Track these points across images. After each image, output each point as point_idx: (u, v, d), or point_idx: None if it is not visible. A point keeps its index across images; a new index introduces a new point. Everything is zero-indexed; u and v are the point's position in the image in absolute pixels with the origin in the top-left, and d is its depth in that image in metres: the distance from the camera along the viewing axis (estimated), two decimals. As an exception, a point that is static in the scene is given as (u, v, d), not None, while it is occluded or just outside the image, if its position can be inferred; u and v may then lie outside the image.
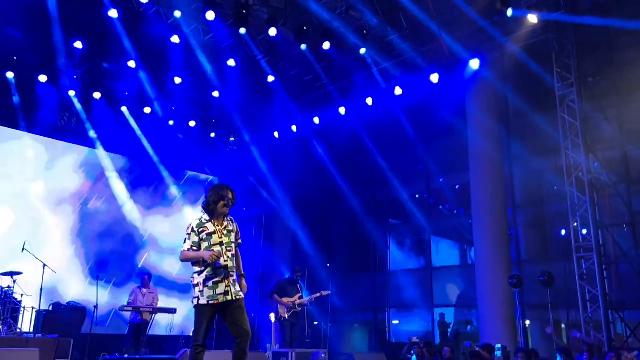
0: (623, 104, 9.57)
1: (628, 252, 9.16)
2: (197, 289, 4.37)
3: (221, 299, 4.31)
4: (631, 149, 9.64)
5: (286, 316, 8.24)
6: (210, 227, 4.48)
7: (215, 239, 4.44)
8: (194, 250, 4.42)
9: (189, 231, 4.48)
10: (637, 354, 5.50)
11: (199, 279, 4.37)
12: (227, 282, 4.35)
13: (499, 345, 7.92)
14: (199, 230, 4.46)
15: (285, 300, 8.26)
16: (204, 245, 4.42)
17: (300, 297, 8.42)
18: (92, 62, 11.20)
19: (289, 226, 13.86)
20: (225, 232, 4.51)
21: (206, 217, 4.53)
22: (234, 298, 4.35)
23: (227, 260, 4.39)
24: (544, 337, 11.11)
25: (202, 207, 4.58)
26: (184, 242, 4.48)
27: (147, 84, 11.55)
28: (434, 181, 13.36)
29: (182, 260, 4.47)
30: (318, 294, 8.60)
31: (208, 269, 4.34)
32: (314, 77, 12.26)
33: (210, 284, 4.31)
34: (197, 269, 4.42)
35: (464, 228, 12.82)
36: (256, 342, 11.79)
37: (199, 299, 4.33)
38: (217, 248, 4.39)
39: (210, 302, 4.30)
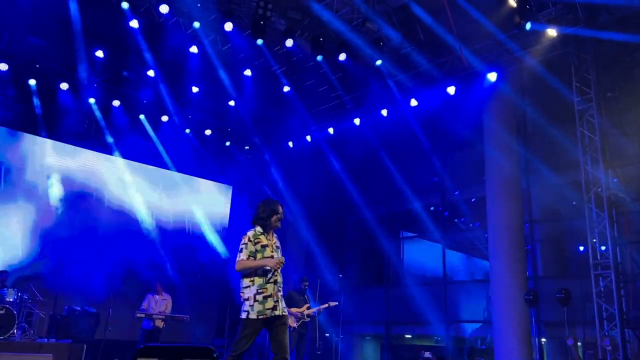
0: (643, 120, 9.41)
1: (647, 270, 8.96)
2: (247, 303, 4.36)
3: (269, 313, 4.33)
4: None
5: (295, 326, 8.22)
6: (264, 239, 4.54)
7: (267, 251, 4.50)
8: (252, 260, 4.42)
9: (246, 241, 4.48)
10: None
11: (249, 294, 4.37)
12: (275, 297, 4.39)
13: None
14: (255, 241, 4.49)
15: (293, 310, 8.26)
16: (259, 256, 4.44)
17: (309, 308, 8.39)
18: (112, 70, 11.40)
19: (302, 236, 13.84)
20: (274, 247, 4.61)
21: (260, 229, 4.57)
22: (281, 314, 4.39)
23: (276, 275, 4.45)
24: (559, 354, 10.90)
25: (255, 221, 4.60)
26: (240, 251, 4.46)
27: (165, 92, 11.70)
28: (449, 194, 13.24)
29: (239, 270, 4.42)
30: (326, 305, 8.55)
31: (258, 283, 4.36)
32: (330, 88, 12.30)
33: (260, 298, 4.33)
34: (246, 282, 4.41)
35: (479, 242, 12.67)
36: (268, 351, 11.73)
37: (249, 313, 4.33)
38: None
39: (260, 317, 4.31)
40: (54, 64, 10.83)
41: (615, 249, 8.55)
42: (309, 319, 8.44)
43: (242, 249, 4.46)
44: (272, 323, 4.36)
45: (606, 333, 8.42)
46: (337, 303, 8.71)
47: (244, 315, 4.36)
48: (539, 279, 11.32)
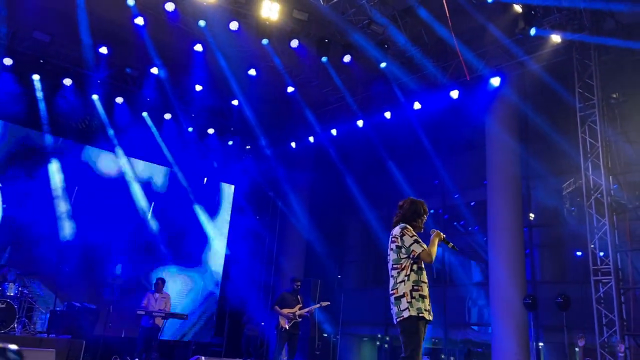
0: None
1: (647, 277, 9.00)
2: (404, 300, 3.90)
3: (427, 316, 3.91)
4: (653, 173, 9.51)
5: (287, 327, 8.27)
6: None
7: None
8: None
9: (411, 233, 4.05)
10: None
11: (405, 289, 3.93)
12: (429, 300, 3.99)
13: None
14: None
15: (285, 311, 8.32)
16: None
17: (301, 308, 8.44)
18: (116, 67, 11.40)
19: (303, 236, 13.87)
20: None
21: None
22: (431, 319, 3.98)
23: (425, 276, 4.08)
24: (557, 359, 10.94)
25: (401, 220, 4.18)
26: (415, 243, 3.99)
27: (169, 90, 11.71)
28: (449, 197, 13.28)
29: (431, 260, 3.97)
30: (318, 305, 8.57)
31: (413, 280, 3.95)
32: (334, 89, 12.33)
33: (416, 295, 3.91)
34: (402, 276, 3.97)
35: (478, 245, 12.71)
36: (265, 352, 11.76)
37: (408, 310, 3.86)
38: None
39: (420, 315, 3.86)
40: (58, 60, 10.83)
41: (615, 255, 8.58)
42: (300, 319, 8.48)
43: (414, 240, 3.99)
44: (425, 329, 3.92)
45: (605, 339, 8.45)
46: (328, 303, 8.74)
47: (405, 315, 3.85)
48: (538, 284, 11.37)
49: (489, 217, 10.70)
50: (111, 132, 11.86)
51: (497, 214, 10.49)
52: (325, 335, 12.09)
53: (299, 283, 8.75)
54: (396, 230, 4.12)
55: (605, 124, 9.08)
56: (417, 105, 11.40)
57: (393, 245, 4.08)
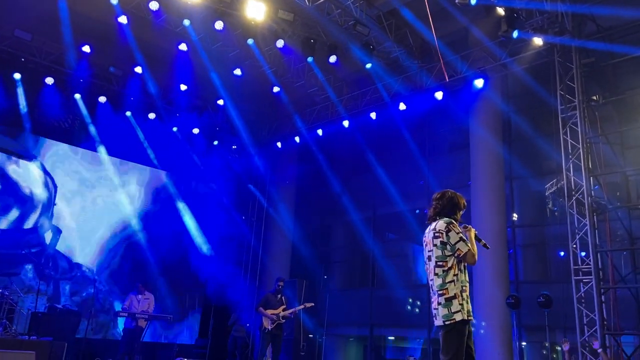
0: (625, 129, 9.61)
1: (626, 277, 9.14)
2: (455, 302, 3.67)
3: (471, 317, 3.74)
4: (632, 174, 9.66)
5: (269, 328, 8.29)
6: None
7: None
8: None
9: (457, 229, 3.83)
10: None
11: (455, 290, 3.71)
12: (469, 299, 3.80)
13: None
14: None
15: (269, 312, 8.33)
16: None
17: (285, 309, 8.44)
18: (99, 66, 11.28)
19: (289, 237, 13.85)
20: None
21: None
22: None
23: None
24: (539, 358, 11.07)
25: (439, 214, 3.96)
26: (462, 241, 3.78)
27: (153, 90, 11.61)
28: (434, 198, 13.33)
29: (475, 261, 3.79)
30: (302, 306, 8.58)
31: (461, 279, 3.76)
32: (319, 89, 12.34)
33: (465, 296, 3.73)
34: (450, 276, 3.74)
35: (462, 246, 12.78)
36: (251, 353, 11.71)
37: (461, 313, 3.64)
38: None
39: (469, 318, 3.68)
40: (40, 59, 10.68)
41: (596, 255, 8.69)
42: (284, 320, 8.48)
43: (460, 238, 3.78)
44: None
45: (586, 338, 8.57)
46: (312, 304, 8.75)
47: (457, 318, 3.62)
48: (521, 283, 11.49)
49: (472, 217, 10.79)
50: (94, 131, 11.73)
51: (481, 214, 10.58)
52: (311, 336, 12.08)
53: (281, 283, 8.77)
54: (441, 225, 3.84)
55: (586, 126, 9.21)
56: (402, 106, 11.46)
57: (437, 241, 3.82)
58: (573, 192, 9.18)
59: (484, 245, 4.05)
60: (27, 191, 10.92)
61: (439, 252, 3.81)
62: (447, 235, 3.80)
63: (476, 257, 3.79)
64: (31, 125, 11.00)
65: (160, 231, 12.25)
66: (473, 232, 3.93)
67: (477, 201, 10.74)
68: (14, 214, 10.65)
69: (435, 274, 3.80)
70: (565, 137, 9.40)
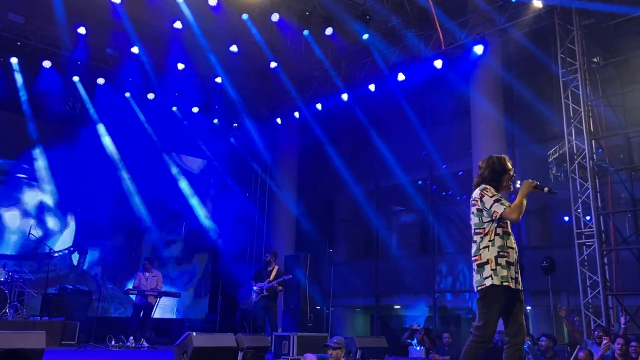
0: (627, 90, 9.51)
1: (629, 238, 9.17)
2: (487, 267, 3.58)
3: (513, 284, 3.59)
4: (634, 136, 9.59)
5: (254, 300, 8.62)
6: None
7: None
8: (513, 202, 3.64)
9: (491, 193, 3.70)
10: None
11: (489, 255, 3.61)
12: (517, 267, 3.66)
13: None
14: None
15: (256, 286, 8.64)
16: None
17: (270, 282, 8.63)
18: (96, 47, 11.22)
19: (292, 212, 13.94)
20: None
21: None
22: (521, 288, 3.66)
23: (513, 240, 3.74)
24: (543, 322, 11.21)
25: (483, 180, 3.83)
26: (497, 202, 3.63)
27: (150, 70, 11.56)
28: (436, 168, 13.36)
29: (519, 215, 3.59)
30: (281, 279, 8.70)
31: (499, 245, 3.62)
32: (317, 63, 12.24)
33: (503, 262, 3.58)
34: (485, 242, 3.66)
35: (465, 215, 12.85)
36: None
37: (492, 278, 3.54)
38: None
39: (504, 284, 3.54)
40: (36, 42, 10.63)
41: (598, 218, 8.72)
42: (267, 293, 8.64)
43: (494, 200, 3.65)
44: (512, 299, 3.60)
45: (589, 300, 8.66)
46: (290, 276, 8.92)
47: (487, 283, 3.54)
48: (524, 249, 11.55)
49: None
50: (94, 113, 11.74)
51: (483, 182, 10.58)
52: (318, 307, 12.27)
53: (269, 256, 9.00)
54: (475, 193, 3.79)
55: (587, 89, 9.11)
56: (401, 77, 11.35)
57: (474, 209, 3.76)
58: (575, 157, 9.15)
59: (550, 191, 3.83)
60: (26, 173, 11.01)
61: (477, 220, 3.76)
62: (481, 201, 3.72)
63: (518, 211, 3.58)
64: (30, 109, 10.99)
65: (165, 210, 12.33)
66: (533, 184, 3.71)
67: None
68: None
69: (473, 242, 3.76)
70: (566, 101, 9.32)
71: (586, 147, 8.93)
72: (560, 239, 10.94)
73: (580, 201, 9.01)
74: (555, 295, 9.89)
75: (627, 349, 5.99)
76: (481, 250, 3.66)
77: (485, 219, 3.70)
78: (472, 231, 3.79)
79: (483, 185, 3.79)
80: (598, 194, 8.89)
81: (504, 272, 3.55)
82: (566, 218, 10.82)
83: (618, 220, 9.39)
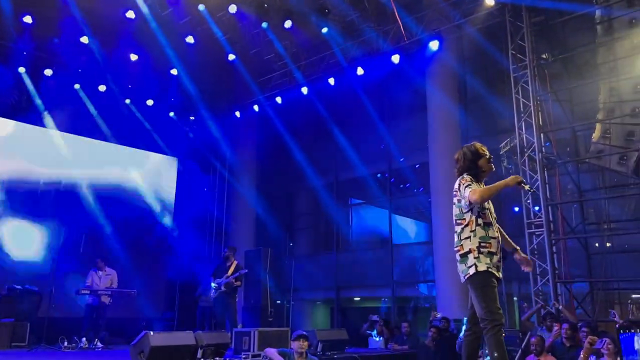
0: (574, 86, 9.93)
1: (576, 228, 9.62)
2: (470, 257, 3.67)
3: (497, 273, 3.66)
4: (580, 129, 10.04)
5: (212, 296, 8.56)
6: (476, 186, 3.76)
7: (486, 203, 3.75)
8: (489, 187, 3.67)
9: (466, 181, 3.74)
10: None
11: (471, 245, 3.68)
12: (499, 256, 3.71)
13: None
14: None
15: (215, 281, 8.58)
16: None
17: (227, 277, 8.60)
18: (43, 38, 10.71)
19: (252, 206, 13.83)
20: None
21: (469, 177, 3.80)
22: (501, 277, 3.71)
23: (496, 230, 3.81)
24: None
25: (462, 171, 3.88)
26: (467, 187, 3.68)
27: (102, 61, 11.15)
28: (395, 161, 13.57)
29: (484, 198, 3.59)
30: (237, 274, 8.67)
31: (480, 235, 3.68)
32: (276, 56, 12.15)
33: (485, 251, 3.64)
34: (467, 232, 3.71)
35: (423, 206, 13.14)
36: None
37: (476, 266, 3.62)
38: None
39: (490, 270, 3.61)
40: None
41: (547, 209, 9.09)
42: (224, 289, 8.59)
43: (466, 185, 3.70)
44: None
45: (539, 287, 9.04)
46: (246, 270, 8.89)
47: (471, 271, 3.62)
48: (479, 240, 11.91)
49: (431, 179, 11.05)
50: (42, 106, 11.22)
51: (439, 175, 10.83)
52: (279, 302, 12.26)
53: (227, 252, 8.94)
54: (455, 184, 3.87)
55: (536, 84, 9.46)
56: (360, 71, 11.44)
57: (455, 200, 3.84)
58: (525, 150, 9.50)
59: (529, 189, 3.99)
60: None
61: (457, 211, 3.83)
62: (459, 190, 3.79)
63: (483, 195, 3.61)
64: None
65: (119, 207, 11.96)
66: (513, 177, 3.73)
67: (435, 161, 10.98)
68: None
69: (455, 232, 3.83)
70: (517, 96, 9.64)
71: (535, 141, 9.28)
72: (513, 229, 11.34)
73: (530, 192, 9.37)
74: (507, 283, 10.26)
75: (573, 334, 6.27)
76: (462, 241, 3.74)
77: (464, 210, 3.78)
78: (454, 222, 3.86)
79: (461, 176, 3.87)
80: (547, 185, 9.27)
81: (487, 260, 3.64)
82: (516, 209, 11.23)
83: (565, 210, 9.82)
